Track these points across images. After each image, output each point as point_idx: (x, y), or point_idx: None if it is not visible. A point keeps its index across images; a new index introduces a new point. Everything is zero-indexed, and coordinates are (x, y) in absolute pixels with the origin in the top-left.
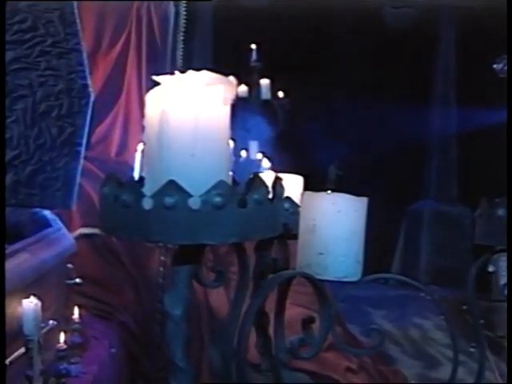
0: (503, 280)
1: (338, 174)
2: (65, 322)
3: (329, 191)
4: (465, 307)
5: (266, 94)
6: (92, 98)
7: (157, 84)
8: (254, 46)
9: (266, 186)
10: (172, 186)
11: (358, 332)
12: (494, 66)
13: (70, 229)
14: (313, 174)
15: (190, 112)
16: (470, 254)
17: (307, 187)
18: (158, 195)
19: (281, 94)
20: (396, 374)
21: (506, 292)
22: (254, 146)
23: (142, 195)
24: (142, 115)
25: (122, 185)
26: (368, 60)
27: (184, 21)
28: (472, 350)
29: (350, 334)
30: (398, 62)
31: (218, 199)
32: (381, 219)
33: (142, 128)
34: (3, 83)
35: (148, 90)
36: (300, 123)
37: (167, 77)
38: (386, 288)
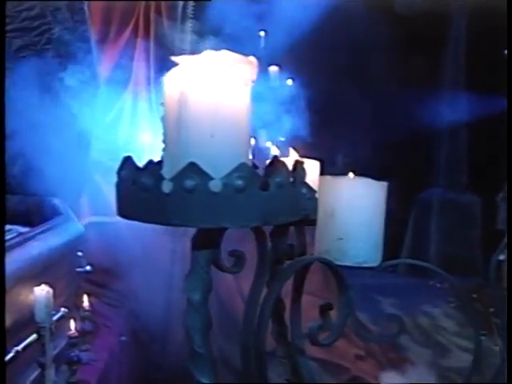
0: None
1: (345, 162)
2: (75, 309)
3: (351, 174)
4: (475, 295)
5: (274, 81)
6: (100, 86)
7: (175, 65)
8: (262, 33)
9: (288, 169)
10: (192, 168)
11: (367, 320)
12: (505, 52)
13: (79, 217)
14: (322, 161)
15: (209, 93)
16: (479, 242)
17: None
18: (177, 178)
19: (289, 82)
20: (405, 361)
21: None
22: (262, 134)
23: (162, 178)
24: (150, 103)
25: (140, 168)
26: (378, 47)
27: (192, 8)
28: (482, 338)
29: (359, 322)
30: (408, 49)
31: (239, 182)
32: (390, 207)
33: (150, 116)
34: (3, 82)
35: (156, 77)
36: (309, 111)
37: (186, 57)
38: (394, 276)
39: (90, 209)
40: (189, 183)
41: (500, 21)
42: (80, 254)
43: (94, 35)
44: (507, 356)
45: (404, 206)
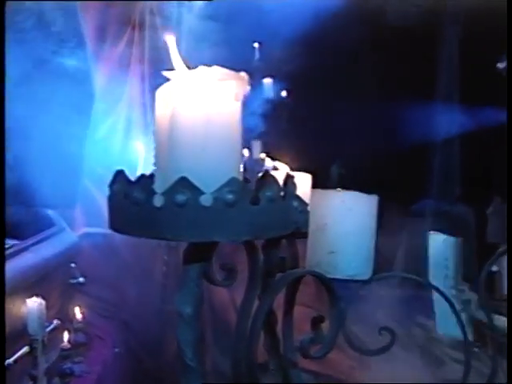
0: (506, 280)
1: (340, 174)
2: (68, 321)
3: (339, 189)
4: None
5: (268, 93)
6: (95, 97)
7: (167, 79)
8: (256, 45)
9: (278, 183)
10: (183, 182)
11: (361, 332)
12: (498, 64)
13: (73, 228)
14: (315, 172)
15: (200, 108)
16: (472, 253)
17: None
18: (169, 192)
19: (284, 93)
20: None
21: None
22: (256, 145)
23: (153, 192)
24: (145, 113)
25: (131, 182)
26: (370, 58)
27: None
28: (476, 350)
29: (352, 334)
30: (401, 61)
31: (230, 196)
32: (382, 218)
33: (145, 126)
34: (3, 83)
35: (151, 88)
36: (303, 122)
37: (178, 72)
38: (388, 287)
39: (83, 220)
40: (180, 198)
41: (494, 31)
42: (73, 265)
43: (89, 47)
44: (507, 356)
45: (397, 216)
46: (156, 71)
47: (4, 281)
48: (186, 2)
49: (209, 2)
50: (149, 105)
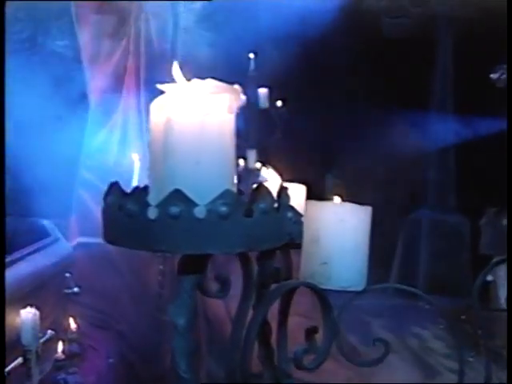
0: (502, 289)
1: (335, 184)
2: (63, 331)
3: (336, 197)
4: (463, 317)
5: (263, 103)
6: (90, 107)
7: (161, 92)
8: (251, 55)
9: (272, 195)
10: (177, 195)
11: (356, 342)
12: (491, 75)
13: (68, 238)
14: (310, 182)
15: (194, 120)
16: (468, 263)
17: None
18: (163, 204)
19: (279, 103)
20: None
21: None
22: (252, 154)
23: (147, 204)
24: (141, 123)
25: (126, 194)
26: (365, 69)
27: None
28: (471, 359)
29: (349, 344)
30: (395, 72)
31: (223, 208)
32: (378, 228)
33: (141, 136)
34: (3, 84)
35: (146, 97)
36: (298, 132)
37: (172, 85)
38: (384, 297)
39: (78, 229)
40: (174, 210)
41: (486, 43)
42: (68, 275)
43: (84, 56)
44: (507, 357)
45: (393, 226)
46: (151, 79)
47: (4, 289)
48: (182, 2)
49: (206, 2)
50: (144, 114)
